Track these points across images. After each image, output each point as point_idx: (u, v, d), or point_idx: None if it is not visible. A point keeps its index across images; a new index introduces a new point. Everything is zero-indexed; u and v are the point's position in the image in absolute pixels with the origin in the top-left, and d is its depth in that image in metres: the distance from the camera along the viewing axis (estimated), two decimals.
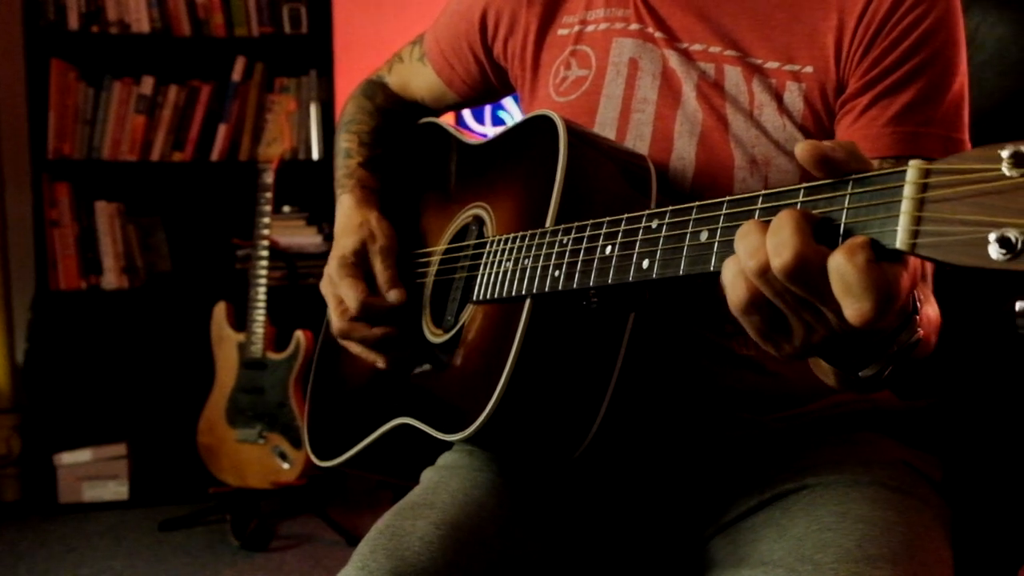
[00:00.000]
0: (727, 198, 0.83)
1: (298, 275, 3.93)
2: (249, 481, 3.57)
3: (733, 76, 1.20)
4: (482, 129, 4.02)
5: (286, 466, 3.50)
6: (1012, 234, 0.60)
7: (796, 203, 0.76)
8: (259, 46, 4.02)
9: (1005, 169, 0.61)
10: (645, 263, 0.91)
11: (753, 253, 0.75)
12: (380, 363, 1.35)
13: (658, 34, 1.25)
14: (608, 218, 0.98)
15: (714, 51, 1.22)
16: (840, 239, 0.72)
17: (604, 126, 1.26)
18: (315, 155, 4.02)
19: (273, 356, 3.54)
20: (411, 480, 1.31)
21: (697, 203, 0.86)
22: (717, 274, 0.80)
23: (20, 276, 4.04)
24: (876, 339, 0.81)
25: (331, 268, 1.37)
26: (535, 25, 1.36)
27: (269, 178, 3.62)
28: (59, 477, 3.82)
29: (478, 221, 1.28)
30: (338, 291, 1.34)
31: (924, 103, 1.13)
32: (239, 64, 3.97)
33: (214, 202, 4.13)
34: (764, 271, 0.74)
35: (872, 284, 0.68)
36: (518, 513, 1.17)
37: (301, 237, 4.00)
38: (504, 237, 1.15)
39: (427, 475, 1.29)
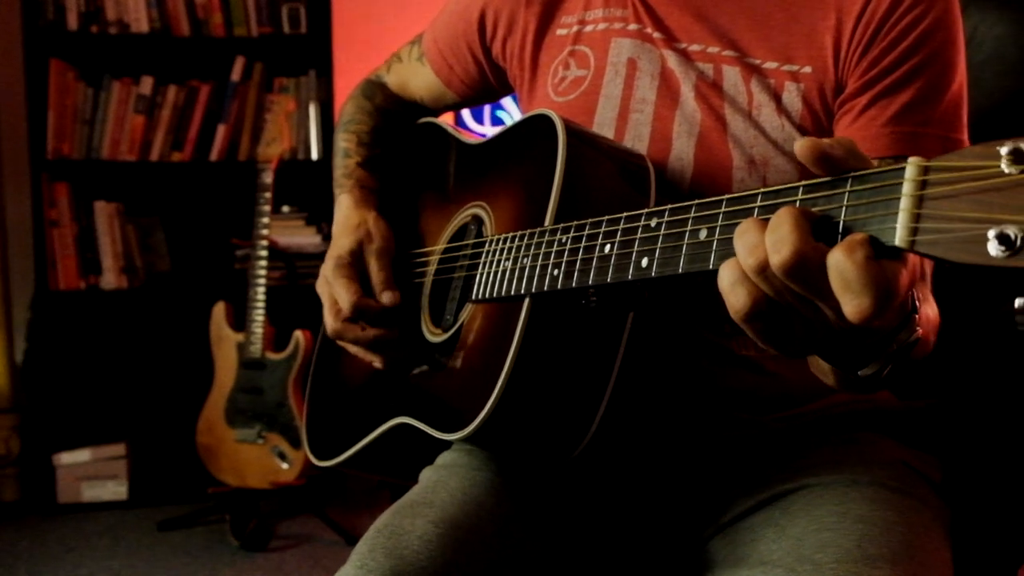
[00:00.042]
0: (726, 196, 0.83)
1: (297, 275, 3.92)
2: (248, 481, 3.57)
3: (731, 76, 1.20)
4: (481, 129, 4.02)
5: (285, 466, 3.50)
6: (1011, 231, 0.60)
7: (795, 200, 0.76)
8: (258, 46, 4.02)
9: (1004, 166, 0.61)
10: (644, 261, 0.91)
11: (752, 250, 0.75)
12: (377, 363, 1.35)
13: (656, 34, 1.25)
14: (607, 217, 0.97)
15: (712, 51, 1.22)
16: (839, 236, 0.72)
17: (602, 126, 1.26)
18: (314, 155, 4.02)
19: (272, 356, 3.54)
20: (410, 480, 1.30)
21: (696, 201, 0.86)
22: (716, 272, 0.80)
23: (19, 276, 4.04)
24: (875, 337, 0.81)
25: (327, 268, 1.37)
26: (533, 25, 1.36)
27: (268, 178, 3.61)
28: (58, 477, 3.82)
29: (477, 220, 1.28)
30: (333, 292, 1.35)
31: (923, 103, 1.13)
32: (238, 64, 3.97)
33: (213, 202, 4.13)
34: (763, 268, 0.74)
35: (871, 281, 0.68)
36: (517, 512, 1.17)
37: (300, 237, 4.00)
38: (503, 236, 1.15)
39: (426, 474, 1.29)
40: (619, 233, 0.95)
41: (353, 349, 1.37)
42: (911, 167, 0.67)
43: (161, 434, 3.94)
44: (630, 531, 1.24)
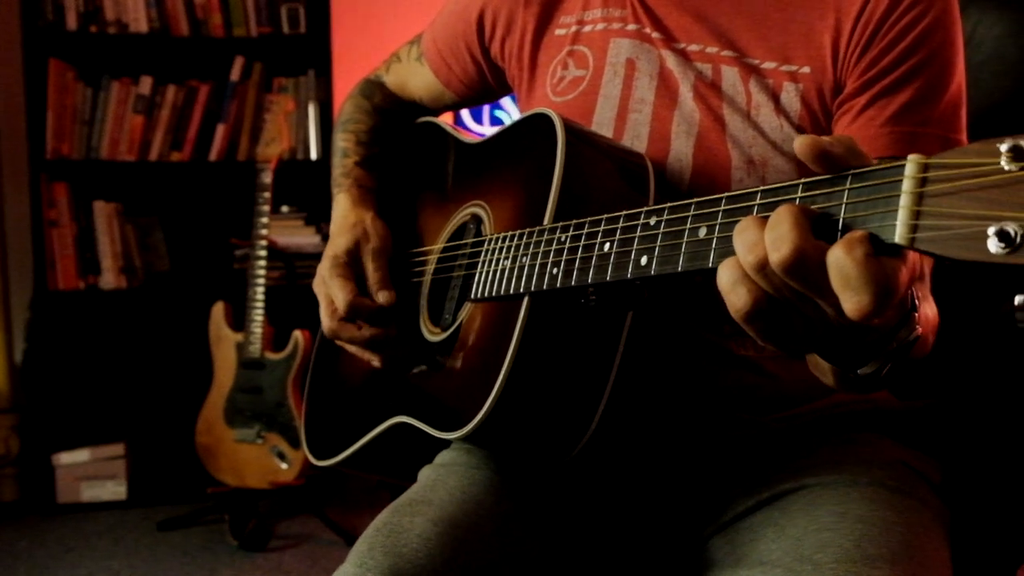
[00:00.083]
0: (725, 194, 0.83)
1: (296, 275, 3.92)
2: (247, 481, 3.57)
3: (730, 76, 1.20)
4: (480, 129, 4.02)
5: (284, 466, 3.49)
6: (1011, 228, 0.60)
7: (795, 198, 0.76)
8: (257, 46, 4.02)
9: (1004, 163, 0.61)
10: (643, 260, 0.90)
11: (751, 248, 0.75)
12: (375, 362, 1.35)
13: (655, 34, 1.25)
14: (606, 215, 0.97)
15: (711, 51, 1.22)
16: (839, 234, 0.72)
17: (601, 126, 1.26)
18: (313, 155, 4.02)
19: (271, 356, 3.54)
20: (409, 479, 1.30)
21: (695, 199, 0.86)
22: (715, 271, 0.80)
23: (18, 276, 4.04)
24: (875, 335, 0.81)
25: (323, 267, 1.37)
26: (532, 25, 1.36)
27: (267, 178, 3.61)
28: (57, 477, 3.81)
29: (476, 219, 1.28)
30: (329, 291, 1.35)
31: (922, 103, 1.12)
32: (237, 64, 3.96)
33: (212, 202, 4.13)
34: (762, 266, 0.74)
35: (871, 278, 0.68)
36: (516, 511, 1.17)
37: (299, 237, 4.00)
38: (502, 235, 1.15)
39: (425, 473, 1.29)
40: (618, 232, 0.95)
41: (350, 348, 1.37)
42: (911, 164, 0.67)
43: (160, 434, 3.93)
44: (630, 530, 1.24)
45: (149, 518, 3.69)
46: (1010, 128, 0.62)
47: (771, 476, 1.17)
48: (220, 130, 3.96)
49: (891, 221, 0.68)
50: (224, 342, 3.62)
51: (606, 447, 1.14)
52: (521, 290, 1.07)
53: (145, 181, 4.07)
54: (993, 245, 0.60)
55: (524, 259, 1.08)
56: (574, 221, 1.02)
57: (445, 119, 1.56)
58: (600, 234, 0.97)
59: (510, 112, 4.01)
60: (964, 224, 0.62)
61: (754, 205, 0.80)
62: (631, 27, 1.27)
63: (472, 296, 1.19)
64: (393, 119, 1.59)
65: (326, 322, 1.35)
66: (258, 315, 3.55)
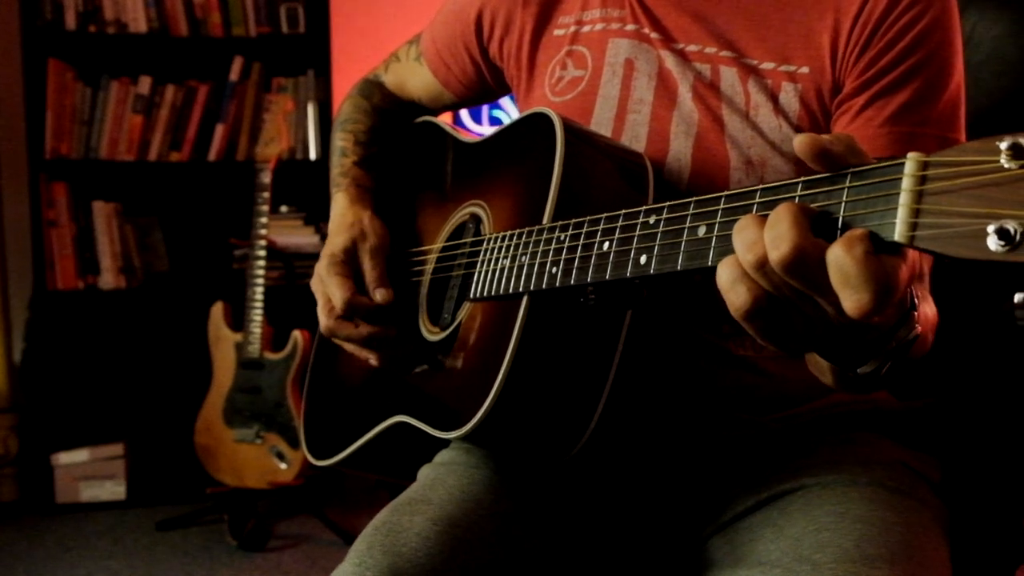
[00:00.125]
0: (724, 193, 0.83)
1: (295, 275, 3.92)
2: (246, 481, 3.56)
3: (729, 77, 1.20)
4: (479, 129, 4.02)
5: (283, 466, 3.49)
6: (1011, 226, 0.60)
7: (794, 196, 0.76)
8: (257, 46, 4.02)
9: (1004, 161, 0.61)
10: (643, 259, 0.90)
11: (751, 247, 0.75)
12: (373, 360, 1.35)
13: (654, 35, 1.25)
14: (605, 214, 0.97)
15: (710, 52, 1.21)
16: (838, 232, 0.72)
17: (600, 126, 1.26)
18: (312, 155, 4.02)
19: (270, 356, 3.54)
20: (408, 479, 1.31)
21: (695, 198, 0.86)
22: (714, 270, 0.80)
23: (17, 276, 4.03)
24: (874, 334, 0.81)
25: (321, 266, 1.37)
26: (531, 25, 1.36)
27: (266, 178, 3.61)
28: (56, 477, 3.81)
29: (475, 219, 1.28)
30: (326, 289, 1.35)
31: (920, 103, 1.12)
32: (236, 64, 3.96)
33: (211, 202, 4.13)
34: (762, 264, 0.74)
35: (871, 276, 0.68)
36: (516, 511, 1.17)
37: (298, 237, 4.00)
38: (501, 234, 1.15)
39: (424, 472, 1.29)
40: (617, 230, 0.95)
41: (348, 347, 1.37)
42: (910, 162, 0.67)
43: (159, 434, 3.93)
44: (629, 529, 1.24)
45: (148, 518, 3.69)
46: (1010, 128, 0.62)
47: (770, 476, 1.17)
48: (219, 130, 3.96)
49: (891, 219, 0.68)
50: (223, 342, 3.62)
51: (605, 447, 1.14)
52: (520, 289, 1.07)
53: (144, 181, 4.07)
54: (993, 243, 0.60)
55: (523, 258, 1.08)
56: (573, 220, 1.02)
57: (444, 119, 1.56)
58: (599, 233, 0.97)
59: (509, 112, 4.01)
60: (964, 222, 0.62)
61: (753, 204, 0.80)
62: (630, 27, 1.27)
63: (471, 295, 1.19)
64: (392, 119, 1.59)
65: (324, 320, 1.35)
66: (257, 315, 3.55)
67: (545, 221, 1.08)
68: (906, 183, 0.67)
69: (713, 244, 0.82)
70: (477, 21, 1.41)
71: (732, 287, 0.77)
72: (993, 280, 1.25)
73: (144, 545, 3.47)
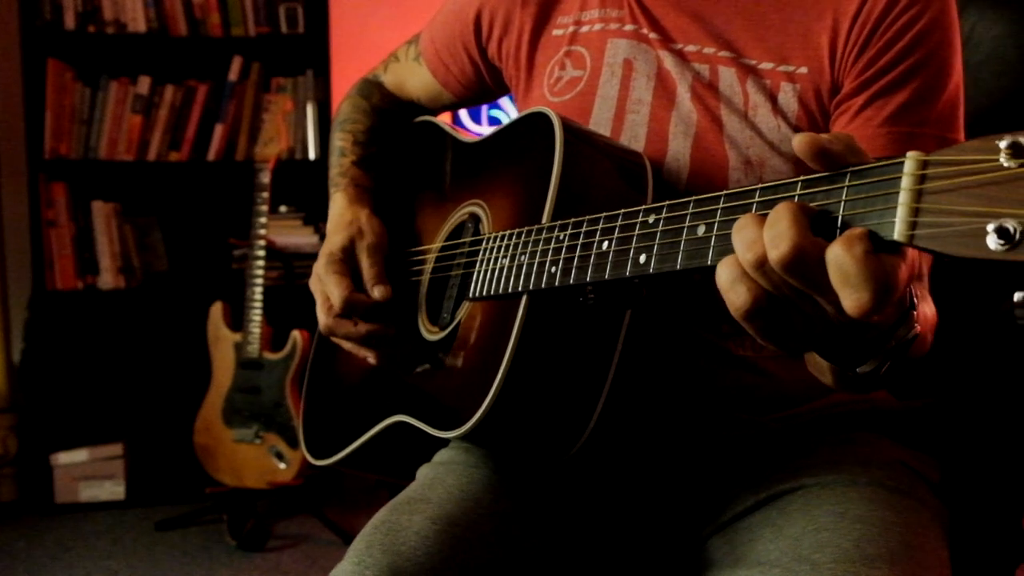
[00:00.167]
0: (724, 192, 0.83)
1: (295, 275, 3.92)
2: (245, 481, 3.56)
3: (727, 77, 1.20)
4: (478, 129, 4.02)
5: (283, 466, 3.49)
6: (1010, 224, 0.60)
7: (793, 196, 0.76)
8: (256, 46, 4.01)
9: (1003, 160, 0.61)
10: (642, 258, 0.90)
11: (750, 246, 0.75)
12: (371, 359, 1.35)
13: (652, 35, 1.25)
14: (605, 214, 0.97)
15: (708, 52, 1.21)
16: (838, 231, 0.72)
17: (599, 127, 1.26)
18: (312, 155, 4.02)
19: (270, 356, 3.54)
20: (407, 478, 1.31)
21: (694, 197, 0.86)
22: (713, 269, 0.80)
23: (17, 276, 4.03)
24: (874, 333, 0.81)
25: (319, 265, 1.37)
26: (529, 25, 1.36)
27: (266, 178, 3.61)
28: (55, 477, 3.81)
29: (474, 218, 1.28)
30: (324, 288, 1.35)
31: (919, 103, 1.12)
32: (236, 64, 3.96)
33: (211, 202, 4.12)
34: (761, 264, 0.74)
35: (870, 275, 0.68)
36: (515, 510, 1.17)
37: (298, 237, 4.00)
38: (500, 234, 1.15)
39: (423, 471, 1.29)
40: (617, 230, 0.95)
41: (346, 345, 1.37)
42: (910, 161, 0.67)
43: (158, 434, 3.93)
44: (628, 530, 1.24)
45: (147, 518, 3.69)
46: (1009, 128, 0.62)
47: (770, 476, 1.17)
48: (218, 130, 3.96)
49: (890, 218, 0.68)
50: (222, 342, 3.62)
51: (604, 446, 1.14)
52: (520, 289, 1.07)
53: (143, 181, 4.07)
54: (992, 242, 0.60)
55: (523, 258, 1.08)
56: (572, 219, 1.02)
57: (443, 119, 1.56)
58: (599, 232, 0.97)
59: (508, 112, 4.01)
60: (963, 221, 0.62)
61: (753, 203, 0.80)
62: (628, 27, 1.27)
63: (470, 295, 1.19)
64: (391, 119, 1.59)
65: (322, 319, 1.35)
66: (256, 315, 3.55)
67: (544, 220, 1.08)
68: (905, 182, 0.67)
69: (712, 243, 0.82)
70: (476, 21, 1.41)
71: (732, 287, 0.77)
72: (992, 279, 1.25)
73: (143, 545, 3.46)
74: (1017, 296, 0.64)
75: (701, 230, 0.84)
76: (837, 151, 0.73)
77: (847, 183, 0.72)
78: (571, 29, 1.32)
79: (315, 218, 4.00)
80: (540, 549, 1.16)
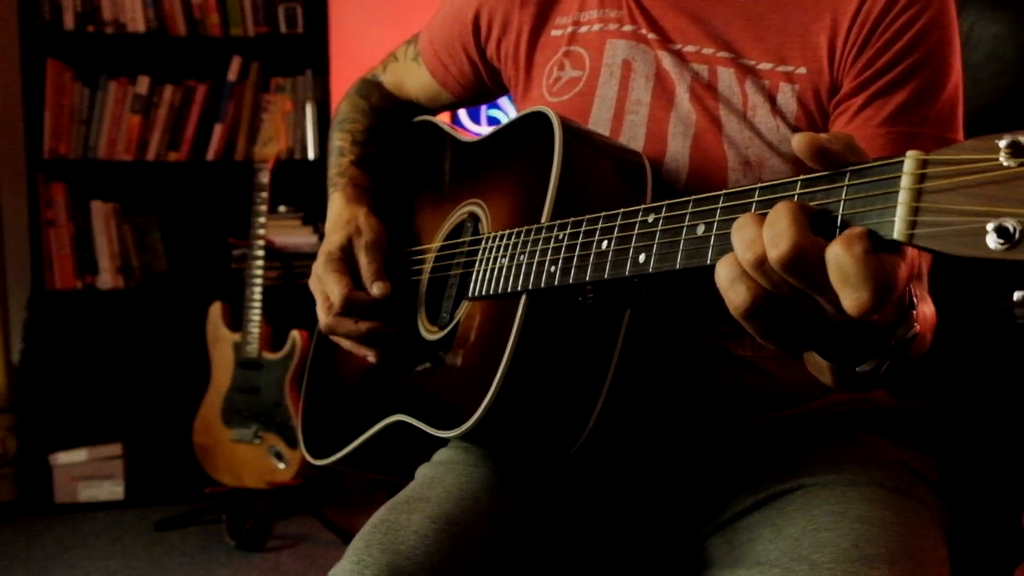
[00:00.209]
0: (723, 191, 0.83)
1: (294, 275, 3.92)
2: (245, 481, 3.56)
3: (726, 77, 1.20)
4: (477, 129, 4.02)
5: (282, 466, 3.49)
6: (1010, 224, 0.60)
7: (793, 195, 0.76)
8: (255, 46, 4.01)
9: (1003, 159, 0.61)
10: (641, 257, 0.90)
11: (750, 245, 0.75)
12: (371, 357, 1.34)
13: (651, 35, 1.25)
14: (604, 213, 0.97)
15: (707, 52, 1.21)
16: (837, 230, 0.72)
17: (598, 127, 1.26)
18: (311, 155, 4.02)
19: (269, 356, 3.54)
20: (406, 478, 1.31)
21: (693, 197, 0.86)
22: (713, 268, 0.79)
23: (16, 276, 4.03)
24: (873, 332, 0.81)
25: (318, 264, 1.37)
26: (528, 26, 1.36)
27: (265, 178, 3.61)
28: (55, 477, 3.81)
29: (473, 218, 1.28)
30: (323, 287, 1.34)
31: (918, 103, 1.12)
32: (235, 64, 3.96)
33: (210, 202, 4.12)
34: (761, 263, 0.74)
35: (870, 274, 0.68)
36: (514, 510, 1.17)
37: (297, 237, 4.00)
38: (499, 233, 1.15)
39: (422, 471, 1.29)
40: (616, 229, 0.95)
41: (346, 344, 1.36)
42: (909, 160, 0.67)
43: (158, 434, 3.93)
44: (628, 530, 1.24)
45: (146, 518, 3.69)
46: (1008, 128, 0.62)
47: (769, 476, 1.17)
48: (217, 130, 3.96)
49: (890, 217, 0.68)
50: (221, 342, 3.62)
51: (604, 446, 1.14)
52: (519, 288, 1.07)
53: (142, 181, 4.07)
54: (992, 241, 0.60)
55: (522, 257, 1.08)
56: (572, 219, 1.02)
57: (442, 118, 1.55)
58: (598, 232, 0.97)
59: (507, 112, 4.01)
60: (963, 220, 0.62)
61: (752, 202, 0.80)
62: (627, 28, 1.27)
63: (470, 294, 1.19)
64: (390, 119, 1.59)
65: (322, 318, 1.35)
66: (255, 315, 3.55)
67: (544, 220, 1.08)
68: (905, 181, 0.67)
69: (712, 243, 0.82)
70: (475, 21, 1.41)
71: (731, 285, 0.77)
72: (992, 278, 1.25)
73: (142, 545, 3.46)
74: (1017, 295, 0.64)
75: (700, 229, 0.84)
76: (836, 150, 0.73)
77: (847, 182, 0.72)
78: (570, 30, 1.32)
79: (314, 218, 4.01)
80: (539, 548, 1.16)
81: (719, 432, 1.21)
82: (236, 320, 3.61)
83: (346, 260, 1.37)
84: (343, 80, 3.87)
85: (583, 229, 1.00)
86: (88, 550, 3.41)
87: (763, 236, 0.74)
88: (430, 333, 1.28)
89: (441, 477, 1.22)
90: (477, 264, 1.18)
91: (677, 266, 0.86)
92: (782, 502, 1.13)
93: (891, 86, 1.12)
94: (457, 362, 1.19)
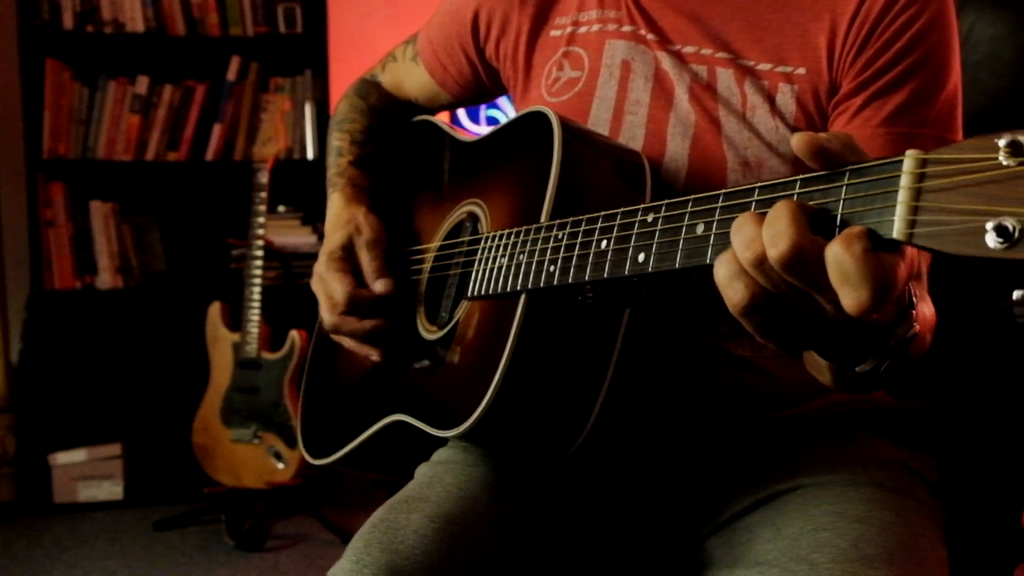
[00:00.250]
0: (723, 191, 0.83)
1: (293, 275, 3.92)
2: (244, 481, 3.56)
3: (725, 78, 1.20)
4: (477, 128, 4.02)
5: (281, 466, 3.49)
6: (1009, 223, 0.60)
7: (792, 194, 0.76)
8: (254, 46, 4.02)
9: (1002, 158, 0.61)
10: (641, 257, 0.90)
11: (749, 244, 0.75)
12: (374, 356, 1.35)
13: (650, 36, 1.25)
14: (603, 212, 0.97)
15: (706, 53, 1.21)
16: (837, 230, 0.72)
17: (597, 127, 1.26)
18: (310, 155, 4.02)
19: (268, 356, 3.54)
20: (406, 477, 1.30)
21: (693, 196, 0.86)
22: (712, 267, 0.79)
23: (15, 276, 4.03)
24: (873, 331, 0.81)
25: (319, 265, 1.37)
26: (527, 26, 1.35)
27: (264, 178, 3.61)
28: (54, 477, 3.81)
29: (472, 218, 1.28)
30: (327, 286, 1.35)
31: (918, 104, 1.12)
32: (234, 64, 3.96)
33: (209, 202, 4.13)
34: (760, 262, 0.74)
35: (870, 273, 0.68)
36: (513, 509, 1.17)
37: (296, 237, 4.00)
38: (499, 233, 1.15)
39: (421, 470, 1.29)
40: (615, 229, 0.95)
41: (349, 343, 1.36)
42: (909, 160, 0.67)
43: (157, 434, 3.93)
44: (627, 530, 1.24)
45: (146, 518, 3.69)
46: (1007, 128, 0.62)
47: (768, 476, 1.17)
48: (216, 130, 3.96)
49: (889, 217, 0.68)
50: (221, 342, 3.62)
51: (603, 445, 1.14)
52: (518, 288, 1.07)
53: (141, 181, 4.07)
54: (991, 240, 0.60)
55: (521, 257, 1.08)
56: (571, 218, 1.02)
57: (442, 118, 1.55)
58: (597, 231, 0.97)
59: (506, 112, 4.00)
60: (962, 219, 0.62)
61: (751, 201, 0.80)
62: (626, 28, 1.27)
63: (469, 294, 1.19)
64: (389, 119, 1.59)
65: (327, 317, 1.35)
66: (254, 315, 3.55)
67: (543, 219, 1.08)
68: (904, 180, 0.67)
69: (711, 242, 0.82)
70: (473, 22, 1.41)
71: (729, 283, 0.77)
72: (991, 278, 1.25)
73: (142, 545, 3.46)
74: (1016, 294, 0.64)
75: (700, 229, 0.84)
76: (836, 150, 0.73)
77: (846, 182, 0.73)
78: (569, 30, 1.32)
79: (313, 218, 4.01)
80: (538, 548, 1.16)
81: (718, 432, 1.21)
82: (235, 320, 3.61)
83: (348, 259, 1.37)
84: (342, 80, 3.87)
85: (582, 229, 1.00)
86: (87, 550, 3.41)
87: (762, 235, 0.74)
88: (429, 332, 1.28)
89: (440, 477, 1.22)
90: (476, 264, 1.18)
91: (676, 265, 0.86)
92: (781, 502, 1.13)
93: (890, 86, 1.12)
94: (456, 361, 1.19)
